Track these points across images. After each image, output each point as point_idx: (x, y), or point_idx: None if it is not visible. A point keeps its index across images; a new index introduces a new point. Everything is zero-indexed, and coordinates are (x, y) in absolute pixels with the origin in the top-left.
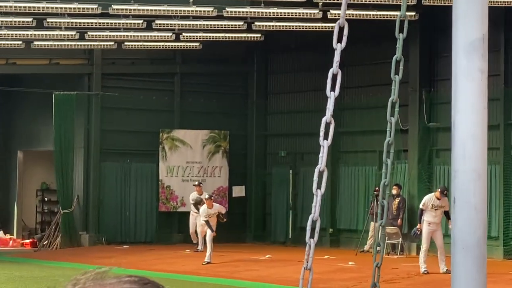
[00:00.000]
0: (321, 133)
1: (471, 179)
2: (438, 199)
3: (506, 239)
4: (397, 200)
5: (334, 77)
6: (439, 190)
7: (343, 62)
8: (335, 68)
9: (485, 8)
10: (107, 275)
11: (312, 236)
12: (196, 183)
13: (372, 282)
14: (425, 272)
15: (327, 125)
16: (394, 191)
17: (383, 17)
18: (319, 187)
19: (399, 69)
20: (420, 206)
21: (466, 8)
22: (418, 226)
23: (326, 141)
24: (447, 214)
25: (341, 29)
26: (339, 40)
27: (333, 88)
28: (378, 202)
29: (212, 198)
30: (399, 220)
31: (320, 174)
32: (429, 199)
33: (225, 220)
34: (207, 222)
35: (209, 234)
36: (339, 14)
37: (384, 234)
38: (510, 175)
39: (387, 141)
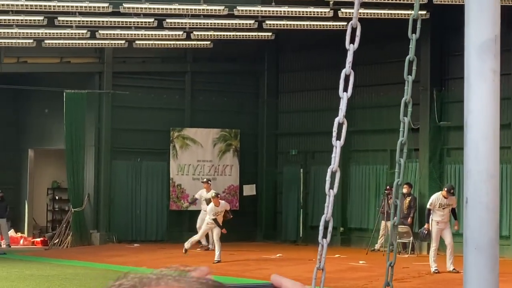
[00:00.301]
0: (334, 134)
1: (483, 179)
2: (445, 198)
3: None
4: (408, 199)
5: (347, 77)
6: (446, 189)
7: (354, 61)
8: (347, 68)
9: (497, 8)
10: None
11: (324, 236)
12: (205, 179)
13: (385, 281)
14: (436, 271)
15: (340, 125)
16: (405, 190)
17: (394, 16)
18: (331, 187)
19: (412, 69)
20: (428, 206)
21: (478, 9)
22: (425, 226)
23: (338, 141)
24: (454, 213)
25: (353, 30)
26: (352, 41)
27: (345, 89)
28: (391, 202)
29: (219, 196)
30: (409, 219)
31: (333, 174)
32: (436, 198)
33: (231, 216)
34: (215, 220)
35: (216, 233)
36: (349, 13)
37: (397, 233)
38: None
39: (400, 141)
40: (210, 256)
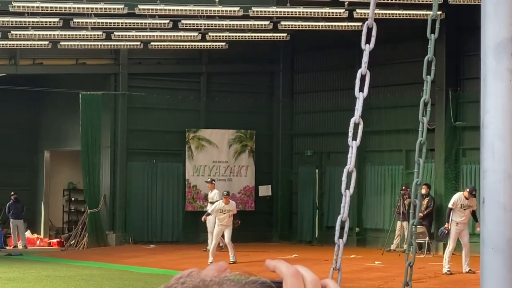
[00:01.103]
0: (350, 134)
1: (500, 179)
2: (467, 198)
3: None
4: (426, 199)
5: (363, 77)
6: (468, 190)
7: (371, 61)
8: (363, 68)
9: None
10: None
11: (341, 237)
12: (209, 179)
13: (404, 281)
14: (448, 272)
15: (356, 125)
16: (423, 191)
17: (408, 17)
18: (348, 187)
19: (430, 69)
20: (449, 206)
21: (494, 8)
22: (446, 226)
23: (354, 141)
24: (474, 215)
25: (369, 30)
26: (368, 41)
27: (361, 89)
28: (407, 202)
29: (230, 195)
30: (427, 220)
31: (349, 174)
32: (458, 198)
33: (239, 223)
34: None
35: (227, 235)
36: (364, 13)
37: (416, 232)
38: None
39: (419, 141)
40: (224, 257)
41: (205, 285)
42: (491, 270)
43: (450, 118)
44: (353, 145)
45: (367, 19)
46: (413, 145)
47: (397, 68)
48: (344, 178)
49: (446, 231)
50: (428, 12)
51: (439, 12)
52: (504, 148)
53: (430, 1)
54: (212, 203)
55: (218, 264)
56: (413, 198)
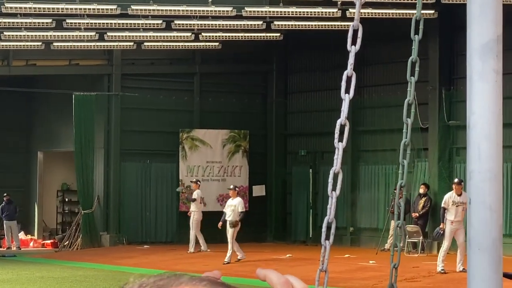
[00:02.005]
0: (336, 135)
1: (486, 180)
2: (459, 195)
3: None
4: (424, 199)
5: (349, 79)
6: (456, 182)
7: (364, 61)
8: (349, 70)
9: (499, 9)
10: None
11: (327, 238)
12: (194, 180)
13: (389, 283)
14: (442, 271)
15: (342, 127)
16: (421, 190)
17: (403, 16)
18: (334, 189)
19: (414, 70)
20: (442, 205)
21: (480, 9)
22: (441, 226)
23: (341, 143)
24: None
25: (355, 32)
26: (353, 43)
27: (347, 91)
28: (404, 201)
29: (237, 189)
30: (423, 219)
31: (335, 176)
32: (449, 196)
33: (238, 223)
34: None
35: (230, 234)
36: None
37: (401, 235)
38: None
39: (403, 142)
40: (221, 257)
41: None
42: (477, 270)
43: (444, 117)
44: (339, 147)
45: (361, 19)
46: None
47: (391, 67)
48: (330, 180)
49: (442, 231)
50: (423, 12)
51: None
52: (490, 149)
53: (424, 0)
54: (193, 201)
55: (213, 273)
56: (397, 199)
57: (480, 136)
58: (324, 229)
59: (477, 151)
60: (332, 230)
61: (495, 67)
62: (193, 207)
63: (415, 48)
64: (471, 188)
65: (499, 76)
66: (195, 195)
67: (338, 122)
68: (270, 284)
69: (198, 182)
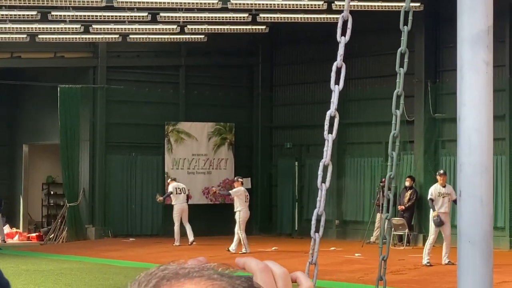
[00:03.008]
0: (326, 127)
1: (477, 172)
2: (443, 186)
3: None
4: (410, 192)
5: (338, 70)
6: (441, 173)
7: (349, 53)
8: (339, 61)
9: (489, 0)
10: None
11: (317, 231)
12: (171, 178)
13: (378, 276)
14: (428, 264)
15: (332, 118)
16: (407, 183)
17: (389, 8)
18: (323, 181)
19: (404, 61)
20: (429, 197)
21: (470, 0)
22: (434, 213)
23: (330, 135)
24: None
25: (345, 22)
26: (343, 33)
27: (337, 82)
28: (384, 195)
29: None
30: (409, 212)
31: (325, 168)
32: (434, 188)
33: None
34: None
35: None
36: (343, 5)
37: (390, 227)
38: None
39: (392, 134)
40: (199, 251)
41: (185, 273)
42: (468, 263)
43: (429, 110)
44: (329, 138)
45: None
46: None
47: (377, 59)
48: (320, 172)
49: (438, 218)
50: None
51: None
52: (480, 141)
53: None
54: (169, 195)
55: (198, 259)
56: (386, 191)
57: (471, 128)
58: (313, 222)
59: (467, 143)
60: (322, 223)
61: (485, 58)
62: (173, 200)
63: (404, 39)
64: (462, 181)
65: (490, 67)
66: (170, 188)
67: (328, 113)
68: (249, 271)
69: (174, 180)
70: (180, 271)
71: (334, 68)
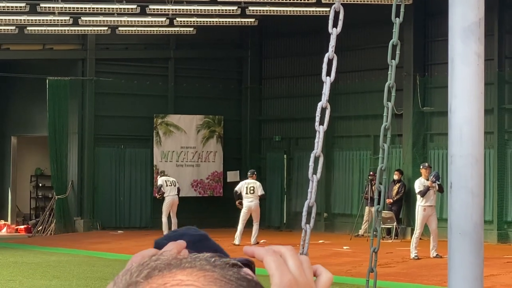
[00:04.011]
0: (317, 118)
1: (467, 164)
2: (427, 179)
3: (500, 223)
4: (398, 185)
5: (330, 62)
6: (425, 166)
7: (337, 46)
8: (330, 53)
9: None
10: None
11: (308, 222)
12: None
13: (369, 267)
14: (416, 257)
15: (323, 110)
16: (395, 177)
17: (377, 2)
18: (315, 172)
19: (395, 53)
20: (418, 191)
21: None
22: (429, 183)
23: (322, 126)
24: (441, 188)
25: (336, 14)
26: (335, 25)
27: (328, 73)
28: (375, 187)
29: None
30: (397, 205)
31: (316, 159)
32: (420, 182)
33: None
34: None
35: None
36: None
37: (380, 219)
38: (504, 159)
39: (384, 126)
40: None
41: (177, 264)
42: (458, 255)
43: (418, 103)
44: (320, 130)
45: (335, 3)
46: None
47: (365, 53)
48: (311, 163)
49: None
50: None
51: None
52: (471, 133)
53: None
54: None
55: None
56: (377, 183)
57: (462, 119)
58: (304, 213)
59: (458, 135)
60: (313, 214)
61: (477, 50)
62: (165, 192)
63: (396, 31)
64: (453, 173)
65: (481, 59)
66: (159, 181)
67: (319, 105)
68: (259, 258)
69: (160, 175)
70: (172, 262)
71: (325, 59)
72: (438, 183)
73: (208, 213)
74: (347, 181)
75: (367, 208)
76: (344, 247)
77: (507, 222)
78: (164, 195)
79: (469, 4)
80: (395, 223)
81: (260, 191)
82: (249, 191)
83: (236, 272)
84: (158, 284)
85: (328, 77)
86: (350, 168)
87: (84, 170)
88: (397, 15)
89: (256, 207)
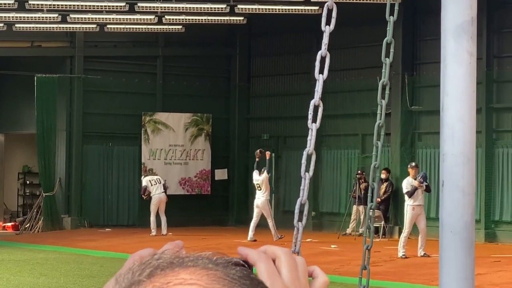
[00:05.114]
0: (310, 116)
1: (459, 163)
2: (415, 179)
3: (487, 222)
4: (386, 184)
5: (323, 59)
6: (412, 165)
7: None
8: (323, 50)
9: None
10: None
11: (300, 220)
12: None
13: (362, 265)
14: (403, 256)
15: (316, 108)
16: (383, 175)
17: (365, 1)
18: (307, 170)
19: (389, 52)
20: (405, 191)
21: None
22: (417, 184)
23: (314, 124)
24: (428, 188)
25: (329, 11)
26: (328, 23)
27: (321, 71)
28: (363, 186)
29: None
30: (384, 204)
31: (309, 157)
32: (407, 182)
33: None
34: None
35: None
36: None
37: (372, 216)
38: (492, 159)
39: (377, 124)
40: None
41: (179, 262)
42: (450, 253)
43: (406, 102)
44: (313, 128)
45: (324, 2)
46: (369, 129)
47: (353, 52)
48: (303, 161)
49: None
50: None
51: None
52: (463, 131)
53: None
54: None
55: (175, 243)
56: (371, 181)
57: (454, 118)
58: (296, 211)
59: (450, 133)
60: (305, 212)
61: (469, 48)
62: (151, 192)
63: (390, 29)
64: (444, 171)
65: (473, 58)
66: (144, 182)
67: (312, 102)
68: (251, 262)
69: (144, 176)
70: (174, 261)
71: (318, 57)
72: (426, 183)
73: (196, 211)
74: (335, 180)
75: (354, 207)
76: (332, 246)
77: (495, 221)
78: (151, 195)
79: (462, 2)
80: (383, 222)
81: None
82: (257, 188)
83: (239, 271)
84: (161, 283)
85: (321, 75)
86: (338, 167)
87: (72, 167)
88: (391, 13)
89: (262, 204)
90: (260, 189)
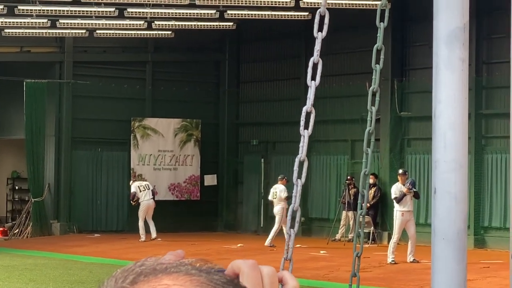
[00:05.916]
0: (302, 123)
1: (451, 169)
2: (404, 184)
3: (477, 228)
4: (373, 189)
5: (315, 66)
6: (400, 173)
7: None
8: (315, 57)
9: None
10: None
11: (292, 227)
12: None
13: (352, 272)
14: (392, 262)
15: (308, 114)
16: (371, 180)
17: (355, 7)
18: (299, 176)
19: (379, 58)
20: (394, 196)
21: None
22: (405, 190)
23: (306, 130)
24: (416, 195)
25: (321, 18)
26: (320, 29)
27: (313, 77)
28: (352, 192)
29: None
30: (373, 209)
31: (301, 164)
32: (396, 188)
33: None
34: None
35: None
36: (311, 2)
37: (362, 222)
38: (481, 165)
39: (367, 130)
40: (164, 247)
41: (162, 268)
42: (442, 260)
43: (395, 108)
44: (305, 134)
45: (314, 8)
46: (359, 135)
47: (343, 58)
48: (295, 167)
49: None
50: (373, 2)
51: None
52: (455, 138)
53: None
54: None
55: (176, 252)
56: (361, 188)
57: (446, 125)
58: (289, 218)
59: (442, 140)
60: (297, 218)
61: (461, 55)
62: (140, 198)
63: (380, 36)
64: (437, 178)
65: (465, 64)
66: (132, 188)
67: (304, 109)
68: (237, 270)
69: (132, 180)
70: (157, 267)
71: (310, 63)
72: (415, 190)
73: (186, 217)
74: (325, 186)
75: (344, 213)
76: (321, 252)
77: (484, 227)
78: (140, 201)
79: (454, 9)
80: (372, 228)
81: (283, 194)
82: (273, 196)
83: (222, 277)
84: None
85: (313, 81)
86: (327, 172)
87: (61, 173)
88: (382, 20)
89: (277, 212)
90: (276, 197)
